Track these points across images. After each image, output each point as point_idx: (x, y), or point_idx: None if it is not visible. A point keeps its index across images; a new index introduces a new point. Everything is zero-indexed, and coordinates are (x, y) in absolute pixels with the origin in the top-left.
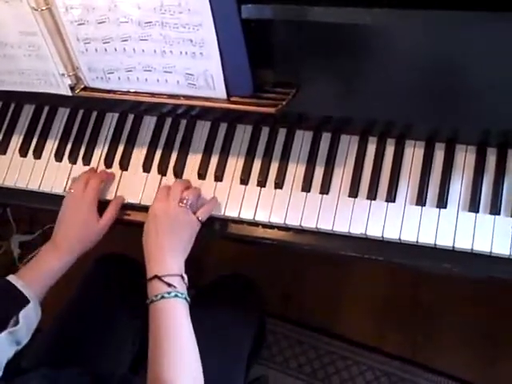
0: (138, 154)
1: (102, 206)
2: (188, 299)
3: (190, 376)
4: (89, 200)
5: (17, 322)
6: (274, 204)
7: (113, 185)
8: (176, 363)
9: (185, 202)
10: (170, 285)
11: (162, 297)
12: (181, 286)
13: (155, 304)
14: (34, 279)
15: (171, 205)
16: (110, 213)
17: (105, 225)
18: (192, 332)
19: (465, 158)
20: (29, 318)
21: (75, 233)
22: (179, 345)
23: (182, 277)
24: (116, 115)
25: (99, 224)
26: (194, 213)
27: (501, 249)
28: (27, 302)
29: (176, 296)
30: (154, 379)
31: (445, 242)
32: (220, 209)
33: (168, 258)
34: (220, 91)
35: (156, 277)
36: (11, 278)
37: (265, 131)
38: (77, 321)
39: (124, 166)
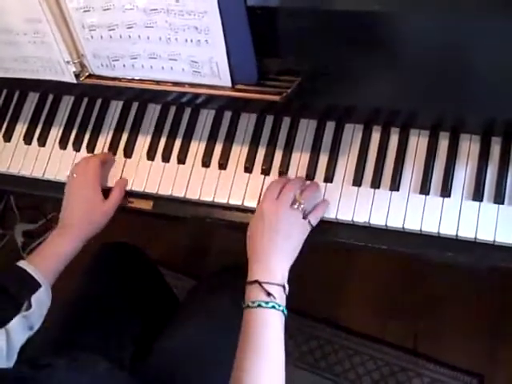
0: (143, 142)
1: (106, 193)
2: (285, 312)
3: None
4: (92, 181)
5: (29, 306)
6: None
7: (117, 172)
8: (261, 374)
9: (297, 204)
10: (269, 294)
11: (259, 305)
12: (280, 296)
13: (250, 310)
14: (44, 264)
15: (283, 206)
16: (116, 194)
17: (111, 206)
18: (283, 345)
19: (469, 147)
20: (41, 301)
21: (82, 215)
22: (267, 356)
23: (284, 287)
24: (120, 103)
25: (105, 205)
26: (304, 217)
27: (504, 238)
28: (39, 286)
29: (273, 307)
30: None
31: (448, 230)
32: (223, 197)
33: (273, 264)
34: (225, 79)
35: (257, 282)
36: (22, 263)
37: (269, 119)
38: (80, 308)
39: (128, 153)
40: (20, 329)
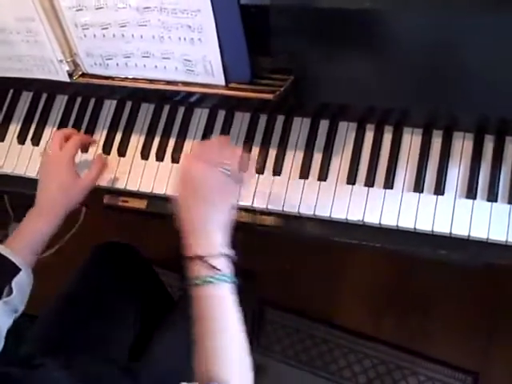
0: (136, 141)
1: (102, 193)
2: (236, 280)
3: (236, 366)
4: (66, 160)
5: (10, 291)
6: (271, 191)
7: (111, 172)
8: (222, 353)
9: (223, 166)
10: (215, 267)
11: (207, 281)
12: (226, 266)
13: (198, 288)
14: (20, 246)
15: (211, 169)
16: (92, 173)
17: (85, 184)
18: (239, 317)
19: (462, 145)
20: (21, 285)
21: (55, 194)
22: (226, 333)
23: (228, 255)
24: (114, 102)
25: (79, 183)
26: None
27: (497, 235)
28: (18, 270)
29: (221, 280)
30: (201, 370)
31: (442, 228)
32: None
33: (210, 234)
34: (218, 77)
35: (198, 257)
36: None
37: (263, 118)
38: (74, 308)
39: (122, 152)
40: (3, 314)
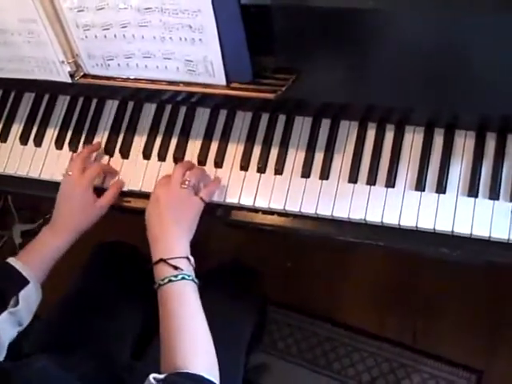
0: (139, 141)
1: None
2: (196, 281)
3: (203, 358)
4: (85, 184)
5: (17, 303)
6: (273, 190)
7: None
8: (189, 347)
9: (186, 183)
10: (176, 267)
11: (170, 280)
12: (187, 267)
13: (163, 288)
14: (33, 260)
15: (173, 187)
16: (109, 195)
17: (102, 206)
18: (203, 313)
19: (464, 144)
20: (29, 298)
21: (72, 214)
22: (191, 328)
23: (189, 258)
24: (116, 102)
25: (96, 205)
26: (197, 194)
27: (500, 233)
28: (27, 282)
29: (183, 278)
30: (168, 364)
31: (444, 226)
32: (220, 195)
33: (173, 240)
34: (219, 77)
35: (162, 260)
36: (10, 260)
37: (264, 118)
38: (78, 307)
39: (124, 153)
40: (8, 325)
